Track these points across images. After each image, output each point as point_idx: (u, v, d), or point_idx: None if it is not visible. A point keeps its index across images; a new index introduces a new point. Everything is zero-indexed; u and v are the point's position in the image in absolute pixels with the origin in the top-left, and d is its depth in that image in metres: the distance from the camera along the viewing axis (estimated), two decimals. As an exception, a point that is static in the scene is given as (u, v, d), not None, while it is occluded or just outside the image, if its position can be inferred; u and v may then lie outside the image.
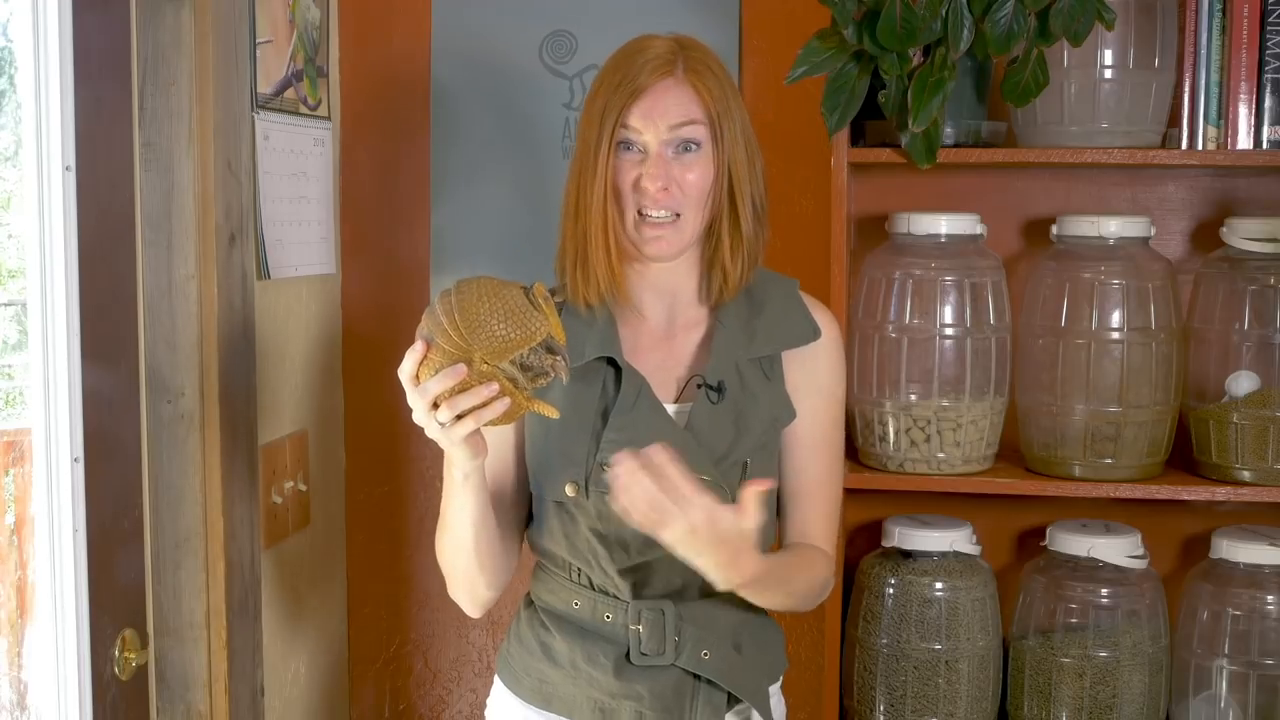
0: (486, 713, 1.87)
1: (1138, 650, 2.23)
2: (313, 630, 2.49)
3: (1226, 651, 2.23)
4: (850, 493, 2.23)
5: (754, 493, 1.48)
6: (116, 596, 1.88)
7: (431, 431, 1.55)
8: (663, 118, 1.66)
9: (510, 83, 2.51)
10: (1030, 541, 2.45)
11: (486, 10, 2.51)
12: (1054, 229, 2.25)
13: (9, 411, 2.02)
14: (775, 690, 1.83)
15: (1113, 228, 2.20)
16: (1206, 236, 2.34)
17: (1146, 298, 2.21)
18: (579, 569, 1.74)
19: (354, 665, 2.67)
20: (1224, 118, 2.15)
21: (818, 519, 1.78)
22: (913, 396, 2.23)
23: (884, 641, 2.27)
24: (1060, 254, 2.25)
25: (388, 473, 2.63)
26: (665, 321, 1.77)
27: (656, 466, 1.45)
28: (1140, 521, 2.32)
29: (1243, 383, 2.20)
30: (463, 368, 1.50)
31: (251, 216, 2.15)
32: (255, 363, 2.15)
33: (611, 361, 1.71)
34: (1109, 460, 2.20)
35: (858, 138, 2.24)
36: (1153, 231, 2.23)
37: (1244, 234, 2.19)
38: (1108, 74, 2.18)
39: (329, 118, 2.50)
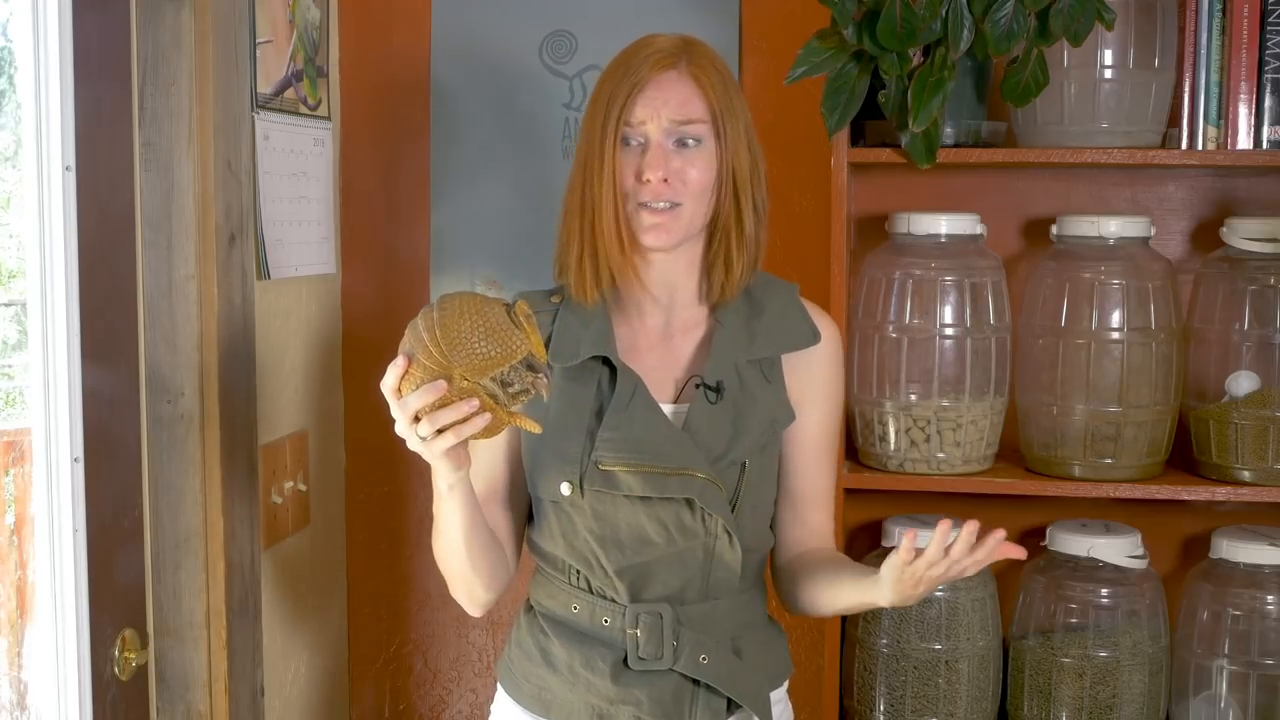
0: (491, 719, 1.87)
1: (1138, 650, 2.23)
2: (313, 630, 2.49)
3: (1226, 651, 2.23)
4: (850, 493, 2.23)
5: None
6: (116, 596, 1.88)
7: (413, 444, 1.55)
8: (665, 108, 1.66)
9: (510, 83, 2.51)
10: (1030, 541, 2.44)
11: (486, 10, 2.51)
12: (1054, 229, 2.25)
13: (9, 411, 2.02)
14: (780, 695, 1.82)
15: (1113, 228, 2.20)
16: (1206, 236, 2.34)
17: (1146, 298, 2.21)
18: (578, 570, 1.74)
19: (354, 665, 2.67)
20: (1224, 118, 2.15)
21: (827, 520, 1.82)
22: (913, 396, 2.23)
23: (884, 641, 2.27)
24: (1060, 254, 2.25)
25: (388, 473, 2.63)
26: (663, 323, 1.77)
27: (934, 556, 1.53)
28: (1140, 521, 2.32)
29: (1243, 383, 2.20)
30: (443, 384, 1.50)
31: (251, 216, 2.15)
32: (255, 363, 2.15)
33: (607, 361, 1.71)
34: (1109, 460, 2.20)
35: (858, 138, 2.24)
36: (1153, 231, 2.23)
37: (1244, 234, 2.19)
38: (1108, 74, 2.18)
39: (329, 118, 2.50)
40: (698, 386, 1.71)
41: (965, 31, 2.04)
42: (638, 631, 1.70)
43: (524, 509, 1.81)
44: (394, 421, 1.55)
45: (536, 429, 1.59)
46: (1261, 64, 2.13)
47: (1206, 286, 2.27)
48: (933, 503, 2.40)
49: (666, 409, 1.72)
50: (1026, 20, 2.04)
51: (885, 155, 2.17)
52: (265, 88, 2.21)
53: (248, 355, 2.12)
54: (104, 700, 1.84)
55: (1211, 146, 2.16)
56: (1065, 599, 2.27)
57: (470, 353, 1.50)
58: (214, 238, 1.99)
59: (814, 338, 1.76)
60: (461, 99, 2.53)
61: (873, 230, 2.38)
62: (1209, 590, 2.25)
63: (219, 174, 2.00)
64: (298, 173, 2.35)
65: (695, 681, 1.71)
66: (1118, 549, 2.23)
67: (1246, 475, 2.18)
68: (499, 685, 1.84)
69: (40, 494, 1.77)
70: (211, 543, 2.02)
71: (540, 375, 1.55)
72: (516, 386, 1.54)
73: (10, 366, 1.99)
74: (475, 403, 1.51)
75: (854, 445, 2.30)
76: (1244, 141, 2.14)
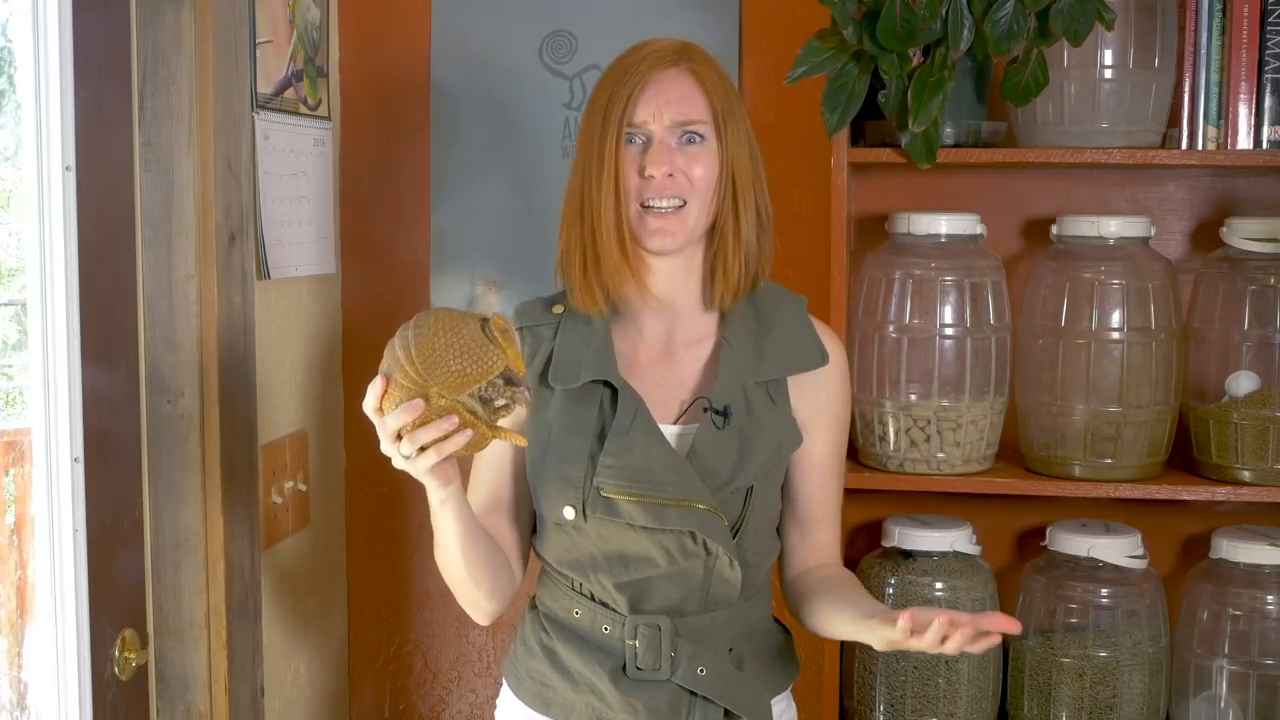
0: (496, 714, 1.86)
1: (1138, 650, 2.23)
2: (313, 630, 2.49)
3: (1226, 651, 2.23)
4: (850, 493, 2.23)
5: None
6: (116, 596, 1.88)
7: (398, 463, 1.55)
8: (667, 108, 1.65)
9: (510, 83, 2.51)
10: (1030, 541, 2.45)
11: (486, 10, 2.51)
12: (1054, 229, 2.25)
13: (9, 411, 2.02)
14: (784, 698, 1.82)
15: (1113, 228, 2.20)
16: (1206, 236, 2.34)
17: (1146, 298, 2.21)
18: (579, 581, 1.74)
19: (354, 665, 2.67)
20: (1224, 118, 2.15)
21: (833, 539, 1.82)
22: (913, 396, 2.23)
23: (884, 641, 2.27)
24: (1060, 254, 2.25)
25: (388, 473, 2.59)
26: (666, 335, 1.75)
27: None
28: (1140, 521, 2.32)
29: (1243, 383, 2.20)
30: (420, 403, 1.50)
31: (251, 216, 2.15)
32: (255, 363, 2.15)
33: (608, 383, 1.70)
34: (1109, 460, 2.20)
35: (858, 138, 2.24)
36: (1153, 231, 2.23)
37: (1244, 234, 2.19)
38: (1108, 74, 2.18)
39: (329, 118, 2.50)
40: (705, 410, 1.69)
41: (965, 31, 2.04)
42: (636, 643, 1.69)
43: (529, 521, 1.80)
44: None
45: (522, 442, 1.57)
46: (1261, 64, 2.13)
47: (1206, 286, 2.27)
48: (933, 503, 2.40)
49: (670, 430, 1.70)
50: (1026, 20, 2.04)
51: (885, 155, 2.17)
52: (265, 88, 2.21)
53: (247, 355, 2.12)
54: (104, 700, 1.84)
55: (1211, 146, 2.16)
56: (1065, 599, 2.27)
57: (446, 371, 1.49)
58: (214, 238, 1.99)
59: (822, 359, 1.74)
60: (461, 99, 2.53)
61: (873, 230, 2.38)
62: (1209, 590, 2.25)
63: (219, 174, 2.00)
64: (297, 173, 2.35)
65: (693, 692, 1.70)
66: (1118, 549, 2.23)
67: (1246, 475, 2.18)
68: (504, 681, 1.84)
69: (40, 494, 1.76)
70: (211, 543, 2.02)
71: (520, 389, 1.54)
72: (497, 401, 1.54)
73: (10, 366, 1.99)
74: (455, 420, 1.50)
75: (854, 445, 2.30)
76: (1244, 141, 2.14)
